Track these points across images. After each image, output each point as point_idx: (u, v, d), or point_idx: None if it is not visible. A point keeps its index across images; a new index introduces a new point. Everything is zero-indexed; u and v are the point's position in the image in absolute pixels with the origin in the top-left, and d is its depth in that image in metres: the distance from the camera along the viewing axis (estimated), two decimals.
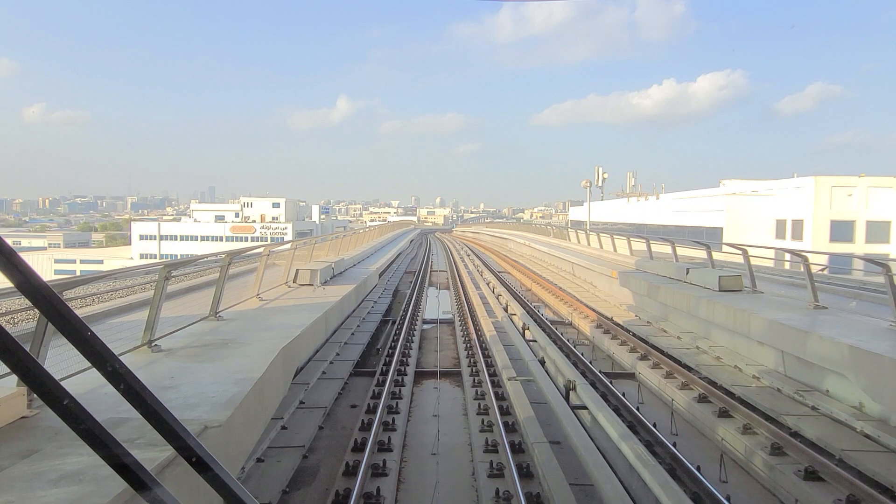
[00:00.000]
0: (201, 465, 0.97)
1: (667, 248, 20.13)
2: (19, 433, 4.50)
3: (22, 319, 11.30)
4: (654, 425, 9.68)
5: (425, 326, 20.34)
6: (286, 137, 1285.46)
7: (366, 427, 9.65)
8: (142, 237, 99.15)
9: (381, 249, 35.47)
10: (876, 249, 34.44)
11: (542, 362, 13.96)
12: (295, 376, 10.77)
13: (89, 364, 0.94)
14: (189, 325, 8.97)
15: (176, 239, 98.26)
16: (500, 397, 11.31)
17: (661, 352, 14.23)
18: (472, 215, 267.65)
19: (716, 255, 17.32)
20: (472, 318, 19.69)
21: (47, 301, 0.86)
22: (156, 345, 7.53)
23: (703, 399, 10.73)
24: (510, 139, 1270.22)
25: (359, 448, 8.74)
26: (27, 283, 0.85)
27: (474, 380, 12.81)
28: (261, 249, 13.51)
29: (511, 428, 9.74)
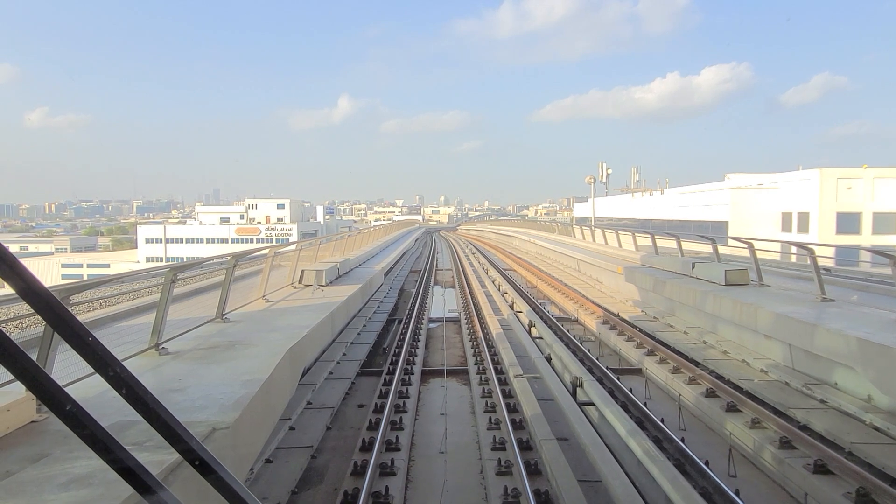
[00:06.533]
0: (205, 467, 0.97)
1: (672, 243, 20.06)
2: (29, 437, 4.53)
3: (31, 324, 11.37)
4: (662, 420, 9.65)
5: (431, 325, 20.34)
6: (289, 138, 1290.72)
7: (373, 426, 9.66)
8: (148, 240, 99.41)
9: (386, 249, 35.48)
10: (883, 241, 34.23)
11: (549, 359, 13.96)
12: (302, 377, 10.80)
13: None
14: (196, 328, 9.00)
15: (182, 242, 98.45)
16: (508, 395, 11.30)
17: (668, 347, 14.19)
18: (477, 213, 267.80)
19: (721, 250, 17.25)
20: (478, 316, 19.69)
21: (49, 307, 0.87)
22: (163, 347, 7.55)
23: (710, 394, 10.70)
24: (512, 136, 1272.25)
25: (367, 447, 8.75)
26: (29, 289, 0.85)
27: (481, 378, 12.81)
28: (266, 251, 13.52)
29: (518, 425, 9.74)
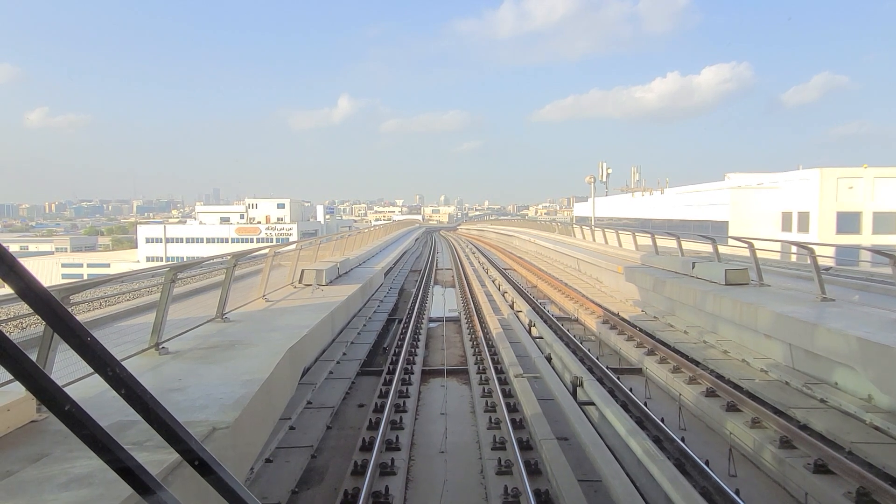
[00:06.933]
0: (204, 467, 0.97)
1: (672, 243, 20.06)
2: (28, 437, 4.53)
3: (31, 324, 11.37)
4: (662, 420, 9.66)
5: (431, 325, 20.34)
6: (289, 138, 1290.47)
7: (374, 426, 9.66)
8: (148, 240, 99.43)
9: (386, 249, 35.48)
10: (883, 241, 34.24)
11: (549, 359, 13.96)
12: (302, 376, 10.80)
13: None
14: (196, 328, 9.00)
15: (182, 241, 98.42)
16: (508, 394, 11.30)
17: (669, 346, 14.19)
18: (477, 213, 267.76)
19: (721, 249, 17.25)
20: (478, 316, 19.69)
21: (48, 307, 0.87)
22: (163, 347, 7.55)
23: (710, 393, 10.70)
24: (512, 136, 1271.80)
25: (367, 447, 8.76)
26: (28, 289, 0.85)
27: (481, 377, 12.81)
28: (266, 250, 13.52)
29: (519, 425, 9.74)
